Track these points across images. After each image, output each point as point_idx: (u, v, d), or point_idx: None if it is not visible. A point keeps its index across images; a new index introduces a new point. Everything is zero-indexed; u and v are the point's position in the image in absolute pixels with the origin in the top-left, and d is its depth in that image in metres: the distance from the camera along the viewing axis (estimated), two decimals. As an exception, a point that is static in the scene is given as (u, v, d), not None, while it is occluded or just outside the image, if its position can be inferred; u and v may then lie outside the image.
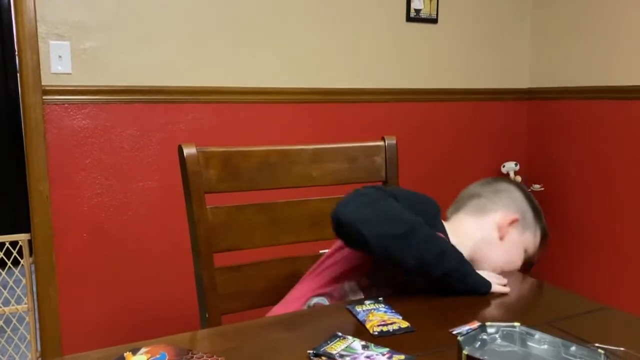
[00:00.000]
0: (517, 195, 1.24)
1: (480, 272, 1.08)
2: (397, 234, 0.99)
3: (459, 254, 1.05)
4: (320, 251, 1.34)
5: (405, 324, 0.90)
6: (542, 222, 1.24)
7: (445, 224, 1.21)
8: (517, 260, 1.21)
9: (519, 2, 2.87)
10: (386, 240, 0.98)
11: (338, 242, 1.15)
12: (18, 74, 2.14)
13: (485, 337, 0.83)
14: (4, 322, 2.17)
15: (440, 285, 1.03)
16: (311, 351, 0.80)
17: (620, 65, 2.47)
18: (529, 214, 1.22)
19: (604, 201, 2.57)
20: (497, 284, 1.07)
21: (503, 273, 1.15)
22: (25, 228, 2.16)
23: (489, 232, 1.20)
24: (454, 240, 1.13)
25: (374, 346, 0.82)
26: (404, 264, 1.00)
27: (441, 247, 1.03)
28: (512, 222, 1.20)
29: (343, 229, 1.01)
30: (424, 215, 1.07)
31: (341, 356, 0.79)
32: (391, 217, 1.00)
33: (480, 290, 1.04)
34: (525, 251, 1.22)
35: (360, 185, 1.42)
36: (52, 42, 2.00)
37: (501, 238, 1.20)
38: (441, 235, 1.10)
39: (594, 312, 1.00)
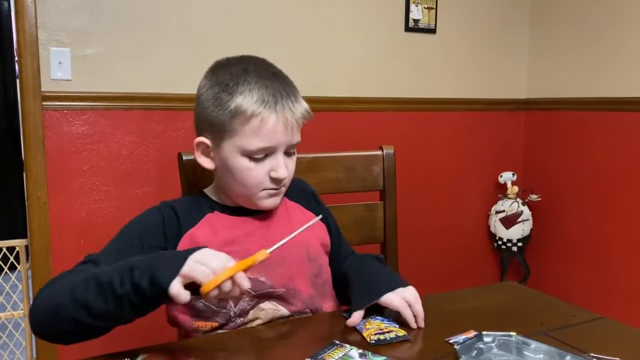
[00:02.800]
0: None
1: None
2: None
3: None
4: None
5: (402, 333, 0.91)
6: None
7: None
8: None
9: (517, 13, 2.89)
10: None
11: None
12: (18, 80, 2.15)
13: (481, 346, 0.84)
14: (-1, 328, 2.16)
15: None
16: (309, 359, 0.81)
17: (617, 76, 2.48)
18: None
19: (601, 211, 2.58)
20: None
21: None
22: (23, 234, 2.16)
23: None
24: None
25: (371, 354, 0.82)
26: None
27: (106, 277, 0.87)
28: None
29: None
30: None
31: (338, 364, 0.80)
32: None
33: (164, 283, 0.83)
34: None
35: (356, 194, 1.43)
36: (52, 48, 2.00)
37: None
38: None
39: (590, 322, 1.01)
